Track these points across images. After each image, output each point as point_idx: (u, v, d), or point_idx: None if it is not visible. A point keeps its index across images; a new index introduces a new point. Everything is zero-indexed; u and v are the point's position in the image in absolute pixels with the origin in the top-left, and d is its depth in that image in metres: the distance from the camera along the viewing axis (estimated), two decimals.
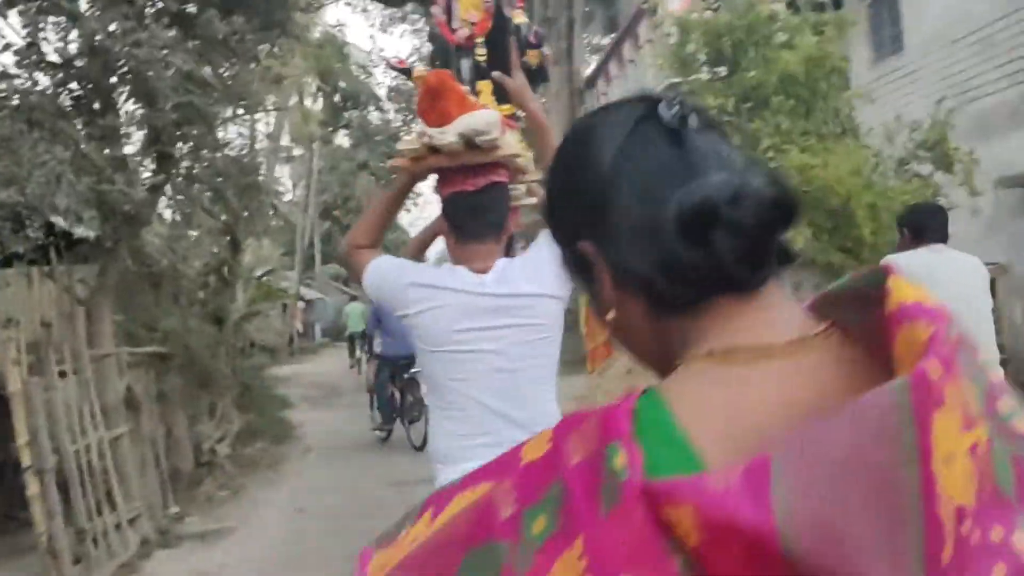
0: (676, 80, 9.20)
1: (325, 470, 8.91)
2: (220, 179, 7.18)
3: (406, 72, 2.79)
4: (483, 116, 2.18)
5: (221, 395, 9.25)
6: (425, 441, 8.97)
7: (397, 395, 9.64)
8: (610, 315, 0.72)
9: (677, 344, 0.69)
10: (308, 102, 32.35)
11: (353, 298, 16.85)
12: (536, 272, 2.19)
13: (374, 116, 32.78)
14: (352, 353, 17.63)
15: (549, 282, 2.18)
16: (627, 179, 0.69)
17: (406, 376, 9.33)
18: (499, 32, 2.53)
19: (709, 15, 8.69)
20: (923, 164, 8.95)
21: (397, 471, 8.22)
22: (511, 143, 2.28)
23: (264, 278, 11.75)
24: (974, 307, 3.61)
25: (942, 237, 3.78)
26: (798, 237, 8.09)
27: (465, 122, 2.15)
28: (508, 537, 0.57)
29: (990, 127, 9.95)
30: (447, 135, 2.15)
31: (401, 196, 2.39)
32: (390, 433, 9.94)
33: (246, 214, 8.78)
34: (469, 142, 2.16)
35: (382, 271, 2.27)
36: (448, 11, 2.57)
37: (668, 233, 0.65)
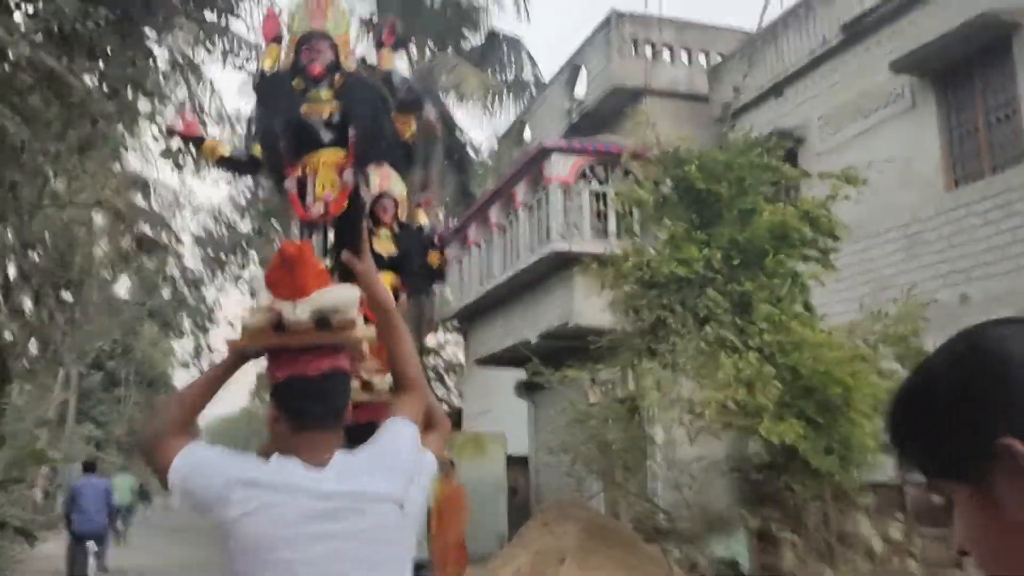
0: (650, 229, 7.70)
1: None
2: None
3: (196, 141, 2.52)
4: (342, 293, 2.03)
5: None
6: None
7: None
8: None
9: None
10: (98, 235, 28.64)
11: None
12: (384, 467, 1.97)
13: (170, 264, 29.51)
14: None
15: (393, 482, 1.95)
16: None
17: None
18: (352, 212, 2.43)
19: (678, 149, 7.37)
20: (885, 359, 7.82)
21: None
22: (364, 328, 2.13)
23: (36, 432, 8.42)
24: None
25: None
26: (788, 431, 6.53)
27: (322, 298, 1.97)
28: None
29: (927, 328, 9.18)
30: (300, 311, 1.96)
31: (225, 377, 2.09)
32: None
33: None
34: (322, 320, 1.98)
35: (196, 463, 1.90)
36: (302, 185, 2.42)
37: None
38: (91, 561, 10.00)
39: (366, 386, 3.37)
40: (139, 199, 29.20)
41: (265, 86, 2.60)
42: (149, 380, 43.28)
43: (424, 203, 3.62)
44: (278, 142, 2.49)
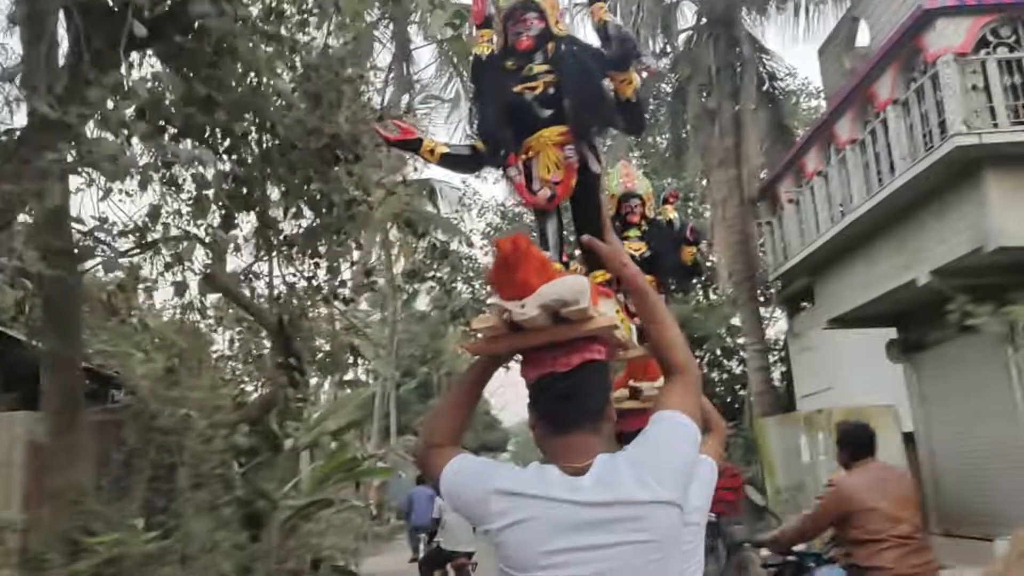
0: None
1: None
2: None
3: (413, 144, 2.30)
4: (569, 284, 1.87)
5: None
6: None
7: None
8: None
9: None
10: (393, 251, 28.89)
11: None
12: (649, 470, 1.76)
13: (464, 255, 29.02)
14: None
15: (666, 483, 1.76)
16: None
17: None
18: (585, 190, 2.21)
19: None
20: None
21: None
22: (607, 314, 1.94)
23: (344, 436, 6.87)
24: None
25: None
26: None
27: (548, 292, 1.84)
28: None
29: None
30: (528, 309, 1.84)
31: (481, 383, 2.05)
32: None
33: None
34: (555, 315, 1.84)
35: (460, 475, 1.88)
36: (527, 171, 2.23)
37: None
38: (422, 546, 12.00)
39: (634, 393, 3.20)
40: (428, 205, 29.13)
41: (479, 73, 2.29)
42: None
43: (671, 197, 3.43)
44: (496, 130, 2.19)
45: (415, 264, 29.49)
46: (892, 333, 14.35)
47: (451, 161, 2.30)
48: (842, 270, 13.70)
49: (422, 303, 30.85)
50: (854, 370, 15.65)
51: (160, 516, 4.05)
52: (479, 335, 1.92)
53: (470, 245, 29.28)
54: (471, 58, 2.31)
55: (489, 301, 1.90)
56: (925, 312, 12.59)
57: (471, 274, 28.13)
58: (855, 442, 4.41)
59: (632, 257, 2.94)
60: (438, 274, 29.47)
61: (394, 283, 27.72)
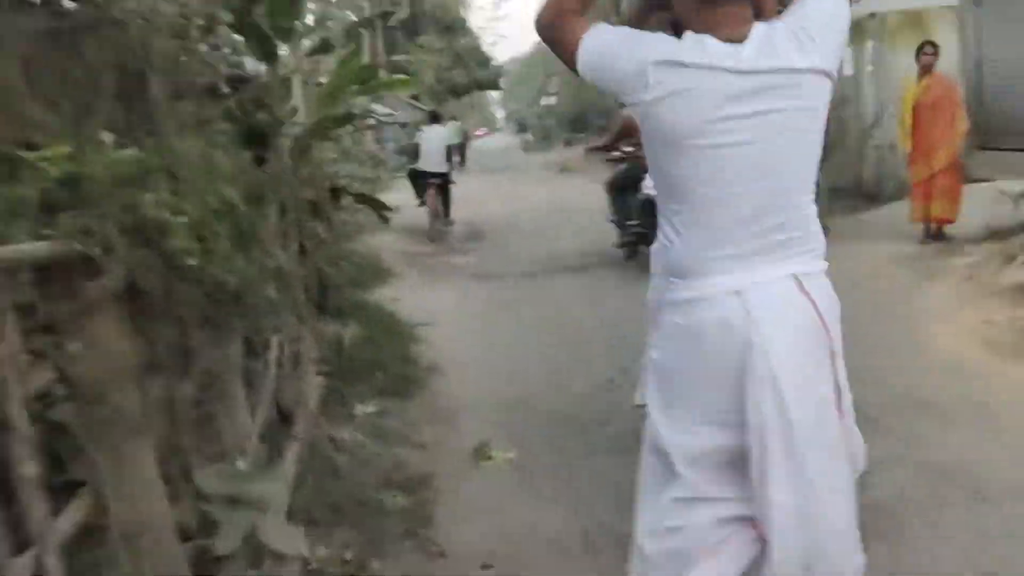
0: None
1: None
2: None
3: None
4: None
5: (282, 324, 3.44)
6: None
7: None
8: None
9: None
10: None
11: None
12: (809, 39, 1.73)
13: None
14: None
15: (822, 52, 1.75)
16: None
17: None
18: None
19: None
20: None
21: None
22: None
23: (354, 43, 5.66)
24: None
25: None
26: None
27: None
28: None
29: None
30: None
31: None
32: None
33: None
34: None
35: (606, 46, 1.79)
36: None
37: None
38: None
39: None
40: None
41: None
42: (446, 25, 41.58)
43: None
44: None
45: None
46: None
47: None
48: None
49: None
50: None
51: (133, 135, 3.08)
52: None
53: None
54: None
55: None
56: None
57: None
58: None
59: None
60: None
61: None
